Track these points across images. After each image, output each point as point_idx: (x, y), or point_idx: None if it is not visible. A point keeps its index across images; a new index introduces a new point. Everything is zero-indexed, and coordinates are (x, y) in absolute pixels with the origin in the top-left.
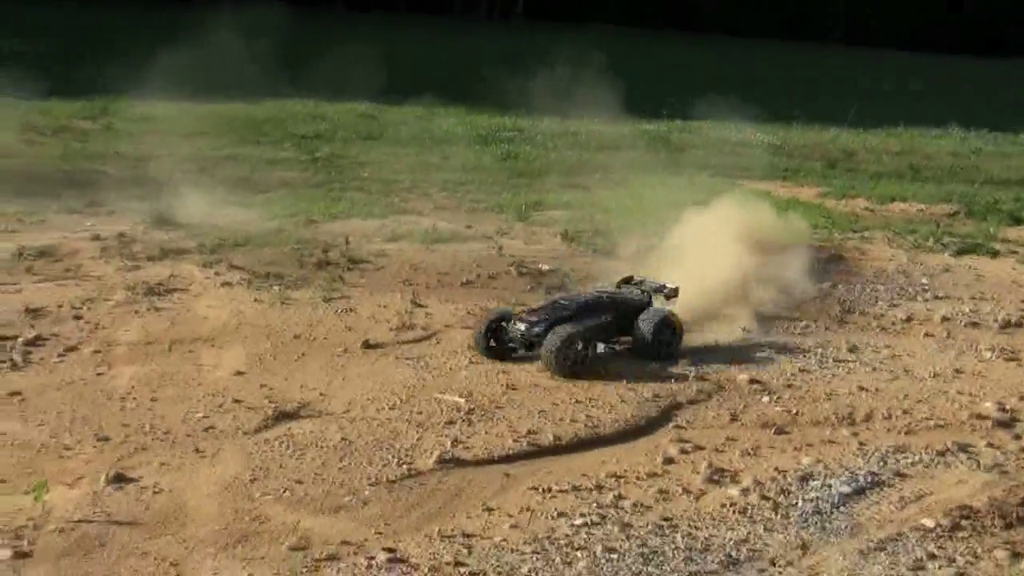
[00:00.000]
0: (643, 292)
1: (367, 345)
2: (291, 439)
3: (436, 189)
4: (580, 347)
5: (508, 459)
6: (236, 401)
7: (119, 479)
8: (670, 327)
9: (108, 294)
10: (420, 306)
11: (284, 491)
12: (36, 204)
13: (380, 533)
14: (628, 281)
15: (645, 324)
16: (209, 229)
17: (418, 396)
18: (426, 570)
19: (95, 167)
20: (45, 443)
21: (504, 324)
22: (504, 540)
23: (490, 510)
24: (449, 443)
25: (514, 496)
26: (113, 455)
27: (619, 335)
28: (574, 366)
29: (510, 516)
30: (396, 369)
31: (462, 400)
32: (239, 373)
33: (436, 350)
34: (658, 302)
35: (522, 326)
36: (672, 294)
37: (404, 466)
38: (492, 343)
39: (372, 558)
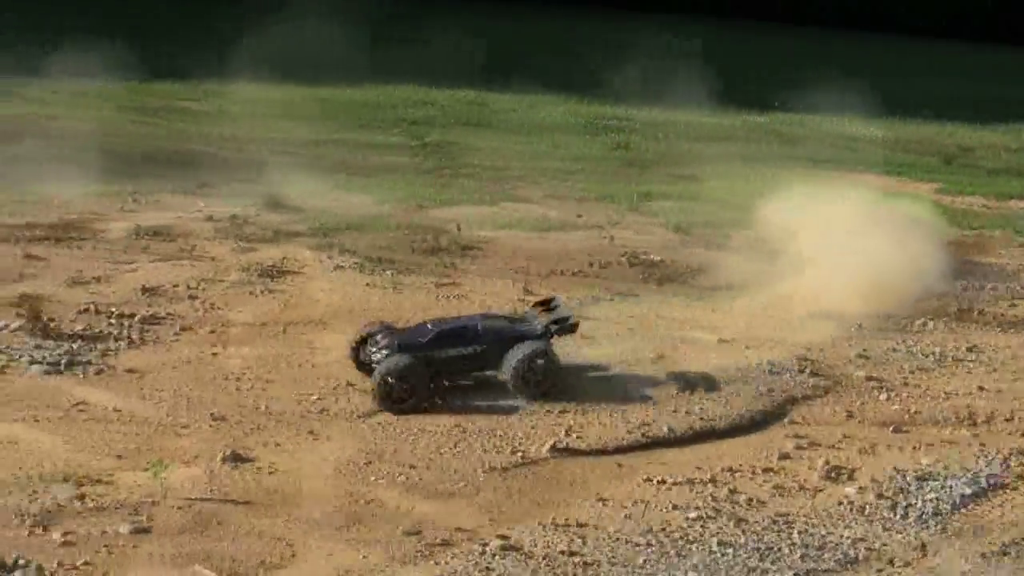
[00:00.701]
0: (537, 321)
1: None
2: (404, 423)
3: (546, 177)
4: (403, 383)
5: (621, 450)
6: (349, 384)
7: (234, 458)
8: (540, 363)
9: (222, 275)
10: (531, 294)
11: (397, 475)
12: (150, 184)
13: (493, 520)
14: (546, 304)
15: (511, 357)
16: (320, 212)
17: None
18: (540, 559)
19: (207, 149)
20: (162, 421)
21: (368, 340)
22: (618, 531)
23: (604, 500)
24: (562, 432)
25: (627, 487)
26: (228, 435)
27: (485, 367)
28: (396, 404)
29: (624, 507)
30: None
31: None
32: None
33: None
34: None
35: (372, 347)
36: (565, 329)
37: (517, 454)
38: (360, 357)
39: (486, 545)
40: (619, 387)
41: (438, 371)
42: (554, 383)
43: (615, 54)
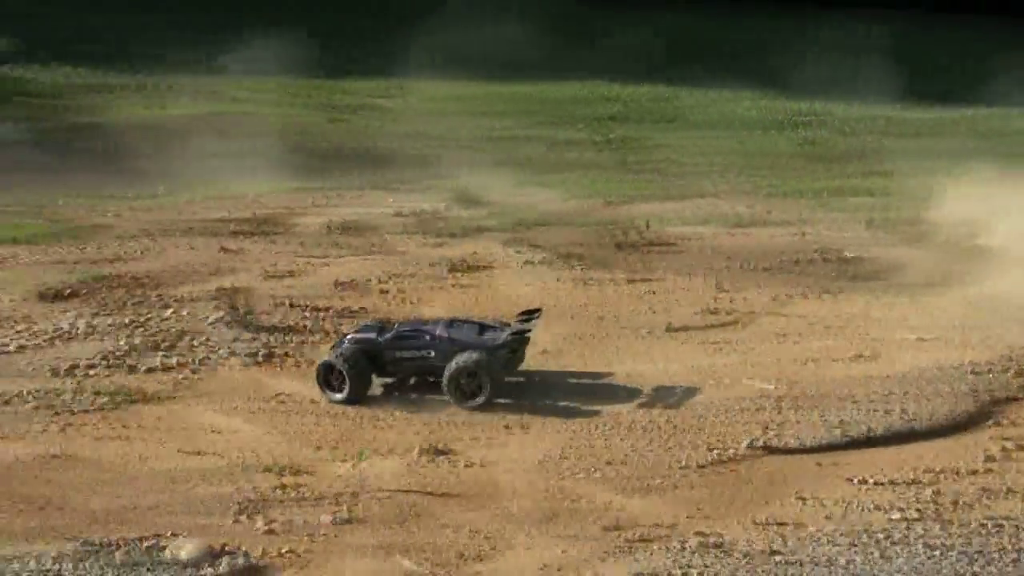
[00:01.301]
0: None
1: (671, 328)
2: (600, 420)
3: (734, 173)
4: (339, 372)
5: (820, 448)
6: (542, 380)
7: (433, 451)
8: (474, 375)
9: (413, 269)
10: (724, 291)
11: (595, 471)
12: (341, 180)
13: (692, 517)
14: (530, 313)
15: (450, 366)
16: (508, 208)
17: (726, 382)
18: (740, 556)
19: (396, 145)
20: (360, 413)
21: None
22: (819, 531)
23: (803, 499)
24: (759, 430)
25: (828, 486)
26: (426, 428)
27: (434, 372)
28: (328, 390)
29: (824, 507)
30: (703, 353)
31: (771, 387)
32: (544, 352)
33: (742, 335)
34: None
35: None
36: (510, 344)
37: (714, 451)
38: None
39: (685, 542)
40: (815, 385)
41: (385, 369)
42: (488, 395)
43: (801, 48)
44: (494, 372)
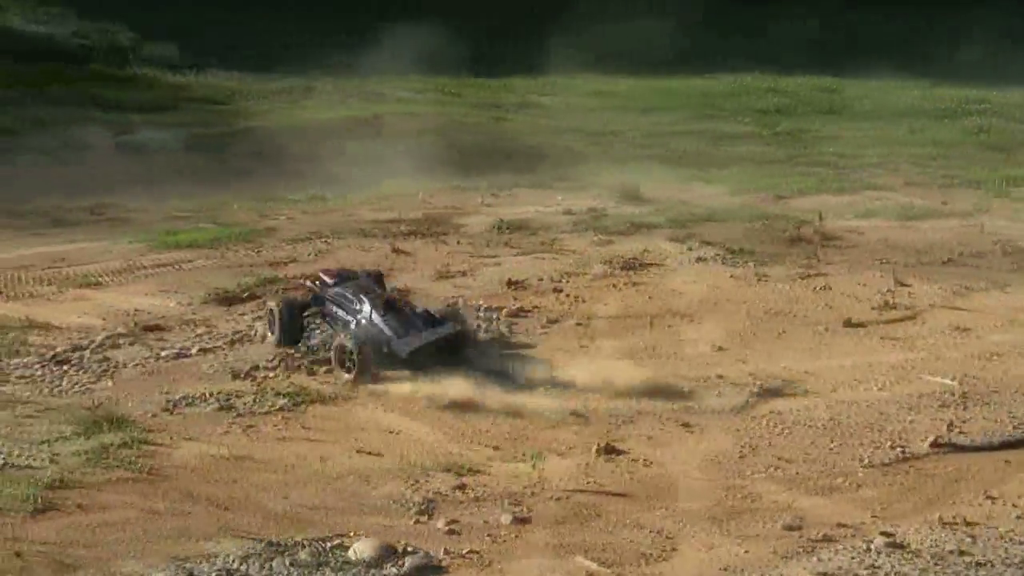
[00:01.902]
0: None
1: (849, 323)
2: (778, 417)
3: (905, 164)
4: (274, 319)
5: (1008, 445)
6: (719, 377)
7: (609, 451)
8: (348, 348)
9: (585, 268)
10: (901, 285)
11: (774, 469)
12: (507, 179)
13: (876, 517)
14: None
15: (338, 337)
16: (676, 204)
17: (906, 377)
18: (928, 557)
19: (558, 142)
20: (537, 412)
21: None
22: (1010, 531)
23: (992, 498)
24: (944, 427)
25: (1017, 485)
26: (601, 427)
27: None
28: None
29: (1015, 506)
30: (881, 349)
31: (954, 383)
32: (720, 349)
33: (922, 330)
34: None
35: None
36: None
37: (897, 449)
38: None
39: (870, 542)
40: (999, 380)
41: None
42: (358, 375)
43: (967, 36)
44: (367, 358)
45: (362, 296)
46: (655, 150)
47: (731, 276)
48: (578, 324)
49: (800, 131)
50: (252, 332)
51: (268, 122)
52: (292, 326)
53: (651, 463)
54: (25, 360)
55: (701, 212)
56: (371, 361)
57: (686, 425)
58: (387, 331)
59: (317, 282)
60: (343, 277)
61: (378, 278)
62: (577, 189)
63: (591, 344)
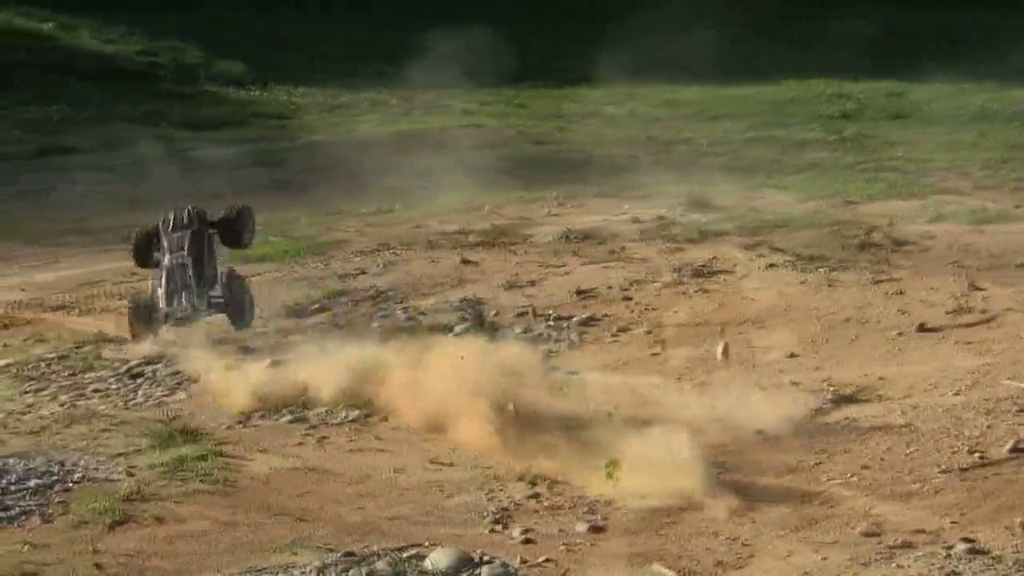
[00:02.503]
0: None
1: (923, 328)
2: (853, 423)
3: (975, 168)
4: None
5: None
6: (793, 383)
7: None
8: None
9: (654, 276)
10: (976, 288)
11: (850, 475)
12: (573, 188)
13: (956, 523)
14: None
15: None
16: (745, 211)
17: (983, 382)
18: (1010, 564)
19: (626, 151)
20: (610, 421)
21: None
22: None
23: None
24: (1023, 432)
25: None
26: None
27: None
28: None
29: None
30: (956, 353)
31: None
32: (792, 355)
33: (997, 334)
34: None
35: None
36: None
37: (975, 454)
38: None
39: (950, 548)
40: None
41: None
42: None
43: None
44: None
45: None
46: (723, 158)
47: (802, 282)
48: (648, 332)
49: (867, 136)
50: (324, 344)
51: (334, 136)
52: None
53: (727, 470)
54: (99, 374)
55: (770, 219)
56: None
57: (760, 432)
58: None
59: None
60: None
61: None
62: (645, 197)
63: (662, 352)
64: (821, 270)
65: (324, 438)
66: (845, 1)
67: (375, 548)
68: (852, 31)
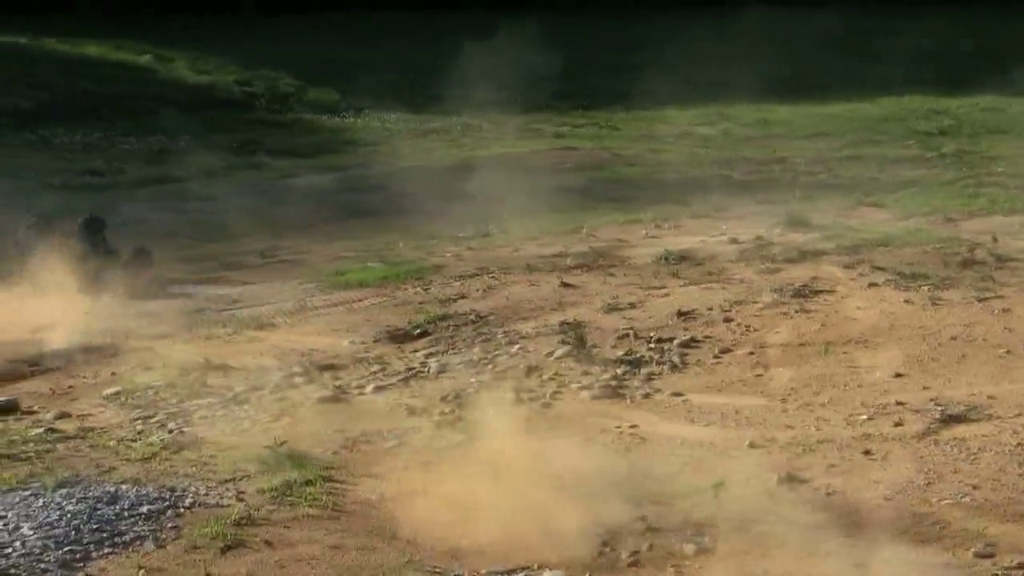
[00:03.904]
0: None
1: None
2: (962, 443)
3: None
4: None
5: None
6: (899, 403)
7: (790, 479)
8: None
9: (754, 296)
10: None
11: (962, 496)
12: (670, 209)
13: None
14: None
15: None
16: (844, 230)
17: None
18: None
19: (721, 171)
20: (713, 442)
21: None
22: None
23: None
24: None
25: None
26: (780, 456)
27: None
28: None
29: None
30: None
31: None
32: (898, 375)
33: None
34: None
35: None
36: None
37: None
38: None
39: None
40: None
41: None
42: None
43: None
44: None
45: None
46: (819, 176)
47: (905, 301)
48: (750, 353)
49: (966, 152)
50: (426, 369)
51: (427, 161)
52: None
53: (834, 492)
54: (206, 401)
55: (871, 237)
56: None
57: (867, 453)
58: None
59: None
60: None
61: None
62: (741, 217)
63: (765, 373)
64: (924, 288)
65: (429, 462)
66: (919, 14)
67: (484, 571)
68: (943, 45)
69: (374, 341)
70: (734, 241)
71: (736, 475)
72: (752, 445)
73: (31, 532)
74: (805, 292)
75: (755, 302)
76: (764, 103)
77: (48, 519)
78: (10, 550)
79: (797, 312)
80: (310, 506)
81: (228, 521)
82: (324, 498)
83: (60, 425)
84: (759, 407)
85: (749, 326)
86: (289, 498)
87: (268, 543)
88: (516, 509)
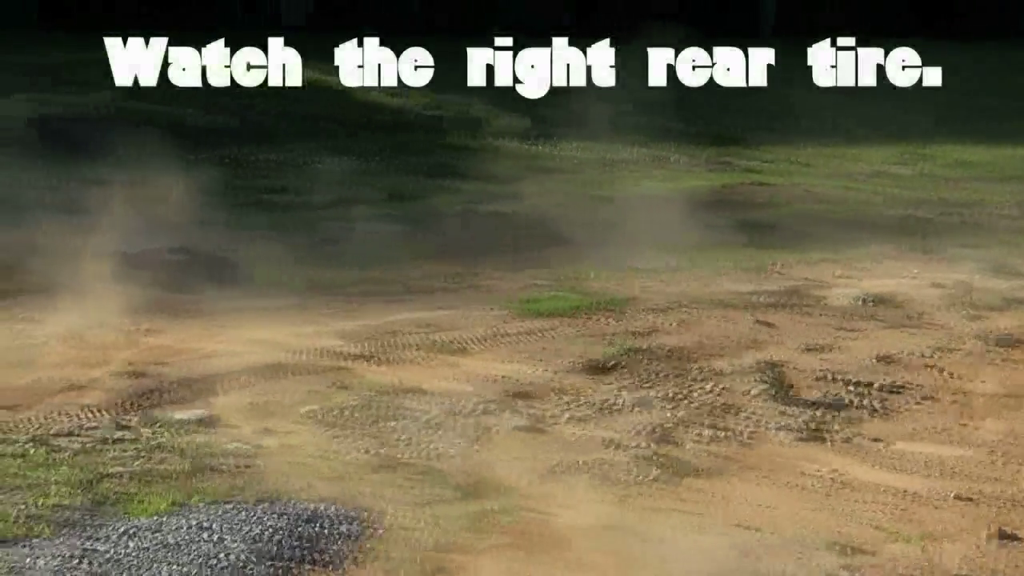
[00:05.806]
0: None
1: None
2: None
3: None
4: None
5: None
6: None
7: (1003, 536)
8: None
9: (957, 343)
10: None
11: None
12: (865, 250)
13: None
14: None
15: None
16: None
17: None
18: None
19: (918, 212)
20: (917, 491)
21: None
22: None
23: None
24: None
25: None
26: (990, 510)
27: None
28: None
29: None
30: None
31: None
32: None
33: None
34: None
35: None
36: None
37: None
38: None
39: None
40: None
41: None
42: None
43: None
44: None
45: None
46: (1021, 221)
47: None
48: (954, 402)
49: None
50: (620, 402)
51: (614, 191)
52: None
53: None
54: (402, 424)
55: None
56: None
57: None
58: None
59: None
60: None
61: None
62: (942, 261)
63: (970, 423)
64: None
65: (626, 496)
66: None
67: None
68: None
69: (567, 371)
70: (935, 285)
71: (943, 528)
72: (958, 497)
73: (235, 544)
74: (1011, 341)
75: (958, 349)
76: (963, 144)
77: (251, 532)
78: (215, 561)
79: (1004, 361)
80: (506, 535)
81: (425, 546)
82: (520, 528)
83: (259, 440)
84: (965, 458)
85: (953, 373)
86: (485, 525)
87: (464, 570)
88: (712, 549)
